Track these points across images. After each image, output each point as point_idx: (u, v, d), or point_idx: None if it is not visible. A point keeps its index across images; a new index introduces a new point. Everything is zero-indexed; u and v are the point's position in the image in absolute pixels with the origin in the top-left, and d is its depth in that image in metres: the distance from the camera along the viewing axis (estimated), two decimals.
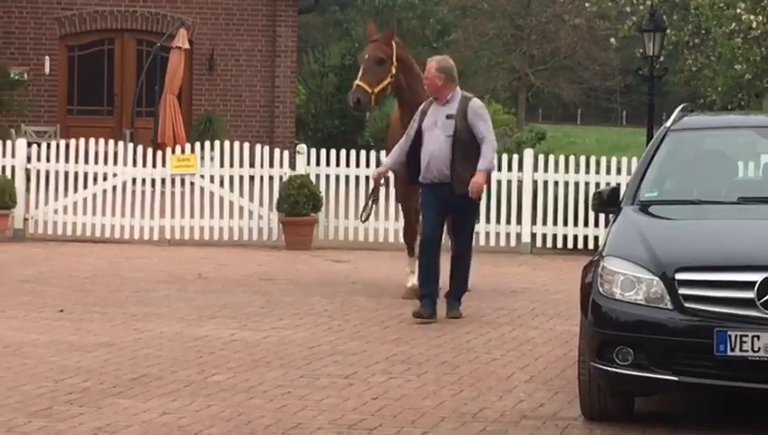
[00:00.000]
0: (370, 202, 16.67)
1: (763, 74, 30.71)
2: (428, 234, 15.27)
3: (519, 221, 24.80)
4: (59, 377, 12.35)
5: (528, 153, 25.38)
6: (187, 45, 33.64)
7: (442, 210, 15.22)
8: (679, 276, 10.34)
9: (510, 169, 25.03)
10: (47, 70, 36.24)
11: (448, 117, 14.98)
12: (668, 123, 12.74)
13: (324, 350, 13.71)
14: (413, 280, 17.18)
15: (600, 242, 11.99)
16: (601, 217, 15.08)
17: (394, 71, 16.41)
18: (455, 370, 12.99)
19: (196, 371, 12.76)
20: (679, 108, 13.61)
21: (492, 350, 14.10)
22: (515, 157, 25.28)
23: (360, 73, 16.12)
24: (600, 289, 10.72)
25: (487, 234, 25.00)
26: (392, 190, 19.04)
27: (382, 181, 16.80)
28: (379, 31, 17.84)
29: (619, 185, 14.04)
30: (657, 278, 10.41)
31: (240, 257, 23.29)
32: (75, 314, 16.00)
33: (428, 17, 57.02)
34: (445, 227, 16.80)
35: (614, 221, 11.77)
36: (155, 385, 12.13)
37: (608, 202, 12.07)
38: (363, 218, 17.11)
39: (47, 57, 36.35)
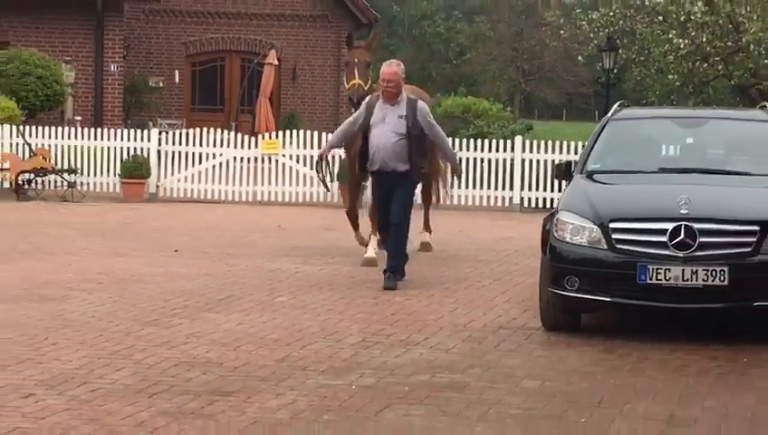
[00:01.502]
0: (319, 175, 14.90)
1: (689, 82, 30.74)
2: (380, 210, 13.73)
3: (512, 188, 24.70)
4: (167, 298, 12.35)
5: (518, 139, 25.25)
6: (276, 62, 33.67)
7: (389, 193, 13.31)
8: (612, 225, 10.41)
9: (505, 150, 24.87)
10: (177, 80, 36.33)
11: (400, 117, 12.90)
12: (609, 114, 12.80)
13: (361, 279, 13.67)
14: (371, 250, 15.05)
15: (557, 201, 11.86)
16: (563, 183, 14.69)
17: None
18: (453, 293, 12.98)
19: (266, 293, 12.74)
20: (617, 104, 13.60)
21: (482, 279, 14.08)
22: (509, 141, 25.13)
23: (356, 74, 14.84)
24: (556, 235, 10.77)
25: (488, 197, 24.86)
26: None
27: (326, 159, 14.78)
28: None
29: (572, 161, 13.89)
30: (596, 227, 10.46)
31: (310, 214, 23.22)
32: (186, 254, 16.00)
33: (450, 42, 57.37)
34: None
35: (567, 185, 11.82)
36: (236, 304, 12.11)
37: (564, 172, 12.25)
38: (326, 189, 16.61)
39: (177, 71, 36.43)
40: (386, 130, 12.94)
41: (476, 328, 11.07)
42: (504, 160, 24.98)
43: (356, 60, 15.06)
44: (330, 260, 15.65)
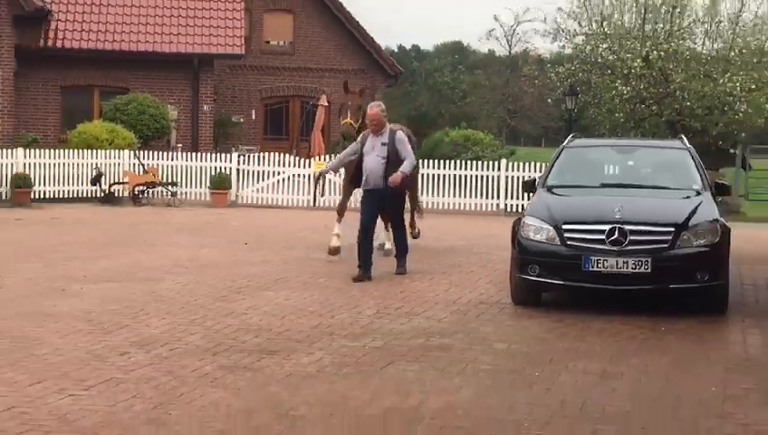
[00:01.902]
0: (315, 191, 14.40)
1: (630, 119, 30.73)
2: (366, 222, 12.63)
3: (498, 196, 24.48)
4: (235, 279, 12.19)
5: (503, 160, 25.10)
6: (326, 103, 33.37)
7: (376, 207, 12.73)
8: (564, 226, 10.33)
9: (494, 169, 24.67)
10: (253, 117, 36.32)
11: (383, 144, 12.47)
12: (564, 143, 12.67)
13: (380, 266, 13.32)
14: (335, 241, 14.48)
15: (524, 208, 11.67)
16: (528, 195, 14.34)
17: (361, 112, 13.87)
18: (448, 277, 12.78)
19: (309, 276, 12.57)
20: (571, 135, 13.53)
21: (471, 266, 13.87)
22: (497, 162, 25.00)
23: (348, 114, 14.07)
24: (522, 233, 10.62)
25: (480, 204, 24.63)
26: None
27: (324, 177, 14.31)
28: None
29: (536, 178, 13.79)
30: (552, 228, 10.37)
31: (350, 217, 23.02)
32: (253, 246, 15.87)
33: (455, 88, 57.50)
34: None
35: (531, 196, 11.69)
36: (285, 284, 11.95)
37: (530, 186, 12.18)
38: (313, 204, 14.36)
39: (253, 110, 36.42)
40: (374, 157, 12.50)
41: (463, 303, 10.91)
42: (493, 177, 24.78)
43: (349, 103, 14.47)
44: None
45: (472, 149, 29.19)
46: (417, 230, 15.42)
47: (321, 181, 13.36)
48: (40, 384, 7.03)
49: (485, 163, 25.36)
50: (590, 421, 6.41)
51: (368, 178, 12.61)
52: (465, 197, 25.01)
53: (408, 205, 14.63)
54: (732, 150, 31.37)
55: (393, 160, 12.35)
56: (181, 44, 30.60)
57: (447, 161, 25.47)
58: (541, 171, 23.36)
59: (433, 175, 24.87)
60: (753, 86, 28.57)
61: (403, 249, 13.16)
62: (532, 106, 44.28)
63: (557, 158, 12.17)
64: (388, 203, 12.76)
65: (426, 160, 25.27)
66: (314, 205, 13.30)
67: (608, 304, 10.31)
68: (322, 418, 6.34)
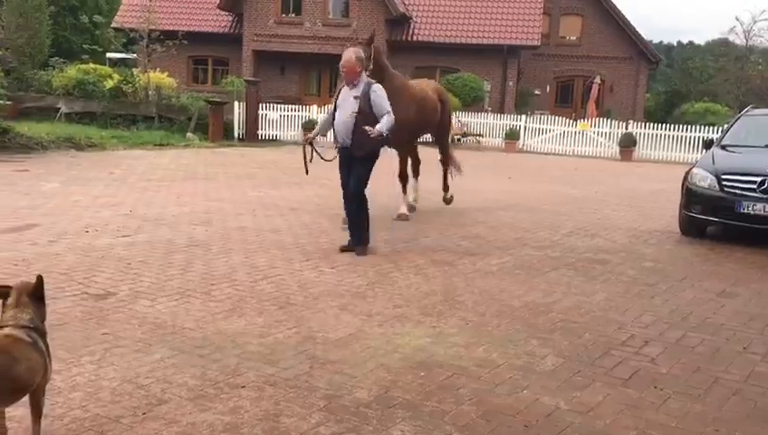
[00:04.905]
0: (305, 159, 7.83)
1: None
2: (342, 185, 7.71)
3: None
4: (482, 201, 11.71)
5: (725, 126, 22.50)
6: (600, 82, 31.77)
7: (347, 167, 7.54)
8: (723, 176, 8.94)
9: (718, 132, 22.11)
10: (547, 90, 35.05)
11: (355, 98, 7.44)
12: (743, 111, 10.92)
13: (595, 198, 12.37)
14: (403, 208, 9.76)
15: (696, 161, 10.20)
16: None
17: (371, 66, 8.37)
18: (641, 210, 11.47)
19: (535, 202, 11.79)
20: (750, 105, 11.66)
21: (663, 201, 12.36)
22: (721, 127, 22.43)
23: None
24: (690, 180, 9.37)
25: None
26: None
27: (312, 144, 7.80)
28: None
29: (713, 138, 12.07)
30: (714, 177, 9.01)
31: (598, 163, 21.60)
32: (516, 179, 15.10)
33: (702, 71, 50.75)
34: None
35: (705, 153, 10.18)
36: (515, 207, 11.27)
37: (708, 144, 10.53)
38: (306, 172, 7.83)
39: (548, 85, 35.08)
40: (344, 110, 7.63)
41: (641, 230, 9.82)
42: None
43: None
44: (591, 181, 14.43)
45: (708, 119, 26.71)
46: (449, 195, 10.87)
47: (310, 149, 7.83)
48: (308, 262, 7.12)
49: (716, 127, 22.77)
50: (684, 329, 5.49)
51: (336, 133, 7.76)
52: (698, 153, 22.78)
53: (440, 165, 10.83)
54: None
55: (366, 116, 7.47)
56: (495, 37, 29.99)
57: (690, 126, 23.45)
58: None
59: (680, 137, 23.07)
60: None
61: (359, 225, 7.63)
62: (761, 87, 38.42)
63: (734, 123, 10.57)
64: (355, 163, 7.58)
65: (674, 125, 23.36)
66: (306, 173, 7.82)
67: (753, 241, 8.88)
68: (474, 302, 5.92)
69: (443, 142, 10.91)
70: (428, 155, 11.21)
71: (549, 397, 4.00)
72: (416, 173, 10.59)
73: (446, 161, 10.90)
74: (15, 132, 16.34)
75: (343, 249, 7.58)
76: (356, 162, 7.52)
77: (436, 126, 10.45)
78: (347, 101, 7.59)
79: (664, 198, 13.13)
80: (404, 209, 9.75)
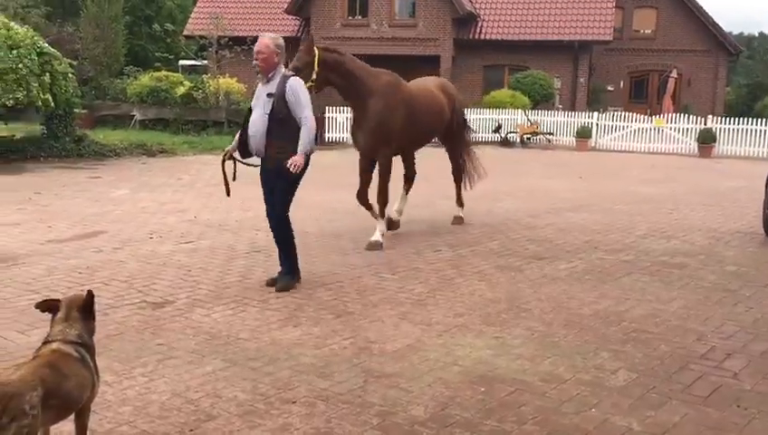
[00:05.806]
0: (225, 178, 6.02)
1: None
2: (265, 201, 6.06)
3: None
4: (553, 202, 11.34)
5: None
6: (676, 76, 30.81)
7: (268, 183, 5.96)
8: None
9: None
10: (621, 86, 34.00)
11: (269, 95, 5.74)
12: None
13: (660, 197, 11.85)
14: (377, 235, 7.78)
15: None
16: None
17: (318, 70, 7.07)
18: (721, 209, 10.86)
19: (610, 203, 11.33)
20: None
21: (744, 200, 11.72)
22: None
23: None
24: None
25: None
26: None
27: (227, 158, 6.12)
28: None
29: None
30: None
31: (672, 160, 20.78)
32: (588, 178, 14.60)
33: None
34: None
35: None
36: (587, 208, 10.86)
37: None
38: (227, 194, 6.03)
39: (621, 81, 34.06)
40: (259, 114, 5.85)
41: (722, 231, 9.27)
42: None
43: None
44: (660, 179, 13.82)
45: None
46: (461, 214, 9.35)
47: (230, 165, 6.09)
48: (368, 267, 6.98)
49: None
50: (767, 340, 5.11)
51: (251, 143, 5.95)
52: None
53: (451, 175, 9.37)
54: None
55: (279, 121, 5.77)
56: (565, 34, 29.23)
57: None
58: None
59: (763, 131, 21.79)
60: None
61: (286, 264, 6.16)
62: None
63: None
64: (273, 182, 5.96)
65: (757, 119, 22.30)
66: (228, 194, 6.04)
67: None
68: (540, 310, 5.63)
69: (456, 151, 9.19)
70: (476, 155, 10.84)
71: (620, 416, 3.71)
72: (408, 184, 8.97)
73: (459, 176, 9.32)
74: (90, 140, 16.80)
75: (269, 283, 6.09)
76: (273, 182, 5.91)
77: (444, 130, 8.77)
78: (260, 100, 5.89)
79: (746, 196, 12.44)
80: (378, 236, 7.79)
